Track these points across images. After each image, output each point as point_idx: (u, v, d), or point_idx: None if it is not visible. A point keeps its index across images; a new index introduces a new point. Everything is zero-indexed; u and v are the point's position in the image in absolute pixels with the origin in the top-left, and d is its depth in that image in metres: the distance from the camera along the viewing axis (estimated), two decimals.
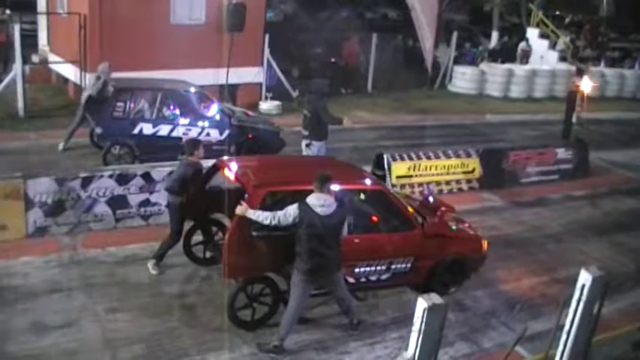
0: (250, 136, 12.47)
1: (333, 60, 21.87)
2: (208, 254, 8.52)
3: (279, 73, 18.61)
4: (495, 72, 23.76)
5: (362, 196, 8.15)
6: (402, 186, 11.87)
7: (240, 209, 6.87)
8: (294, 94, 18.55)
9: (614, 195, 13.91)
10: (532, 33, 26.99)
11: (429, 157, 12.41)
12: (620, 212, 12.93)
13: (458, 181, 12.79)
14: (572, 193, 13.65)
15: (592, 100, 17.17)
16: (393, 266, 7.91)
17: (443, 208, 8.72)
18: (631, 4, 31.91)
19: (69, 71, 16.04)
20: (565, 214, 12.38)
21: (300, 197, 6.86)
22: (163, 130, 11.87)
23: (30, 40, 16.94)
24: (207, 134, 12.08)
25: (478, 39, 30.08)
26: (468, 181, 12.92)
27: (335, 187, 7.19)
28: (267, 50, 17.84)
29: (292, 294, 6.97)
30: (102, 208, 9.39)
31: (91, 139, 12.58)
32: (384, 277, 7.94)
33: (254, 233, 7.03)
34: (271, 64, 18.21)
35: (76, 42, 14.83)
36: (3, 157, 11.82)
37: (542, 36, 27.09)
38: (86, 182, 9.20)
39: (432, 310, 5.00)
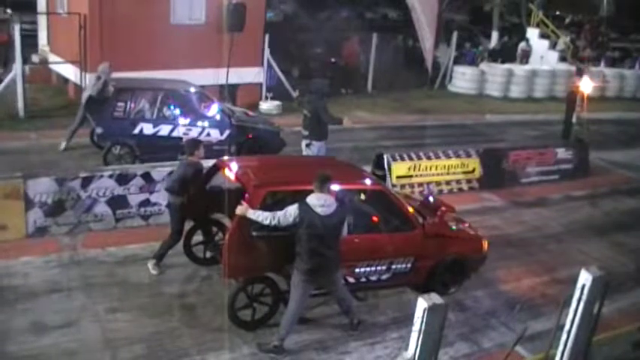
0: (251, 136, 12.47)
1: (333, 60, 21.87)
2: (208, 254, 8.52)
3: (279, 73, 18.61)
4: (495, 72, 23.76)
5: (362, 196, 8.15)
6: (402, 186, 11.87)
7: (240, 209, 6.87)
8: (294, 94, 18.55)
9: (614, 195, 13.91)
10: (532, 33, 27.00)
11: (429, 157, 12.41)
12: (621, 212, 12.93)
13: (458, 181, 12.79)
14: (572, 193, 13.65)
15: (592, 100, 17.17)
16: (394, 266, 7.91)
17: (443, 208, 8.72)
18: (631, 4, 31.94)
19: (69, 71, 16.04)
20: (565, 214, 12.38)
21: (300, 197, 6.86)
22: (164, 130, 11.87)
23: (30, 40, 16.94)
24: (208, 134, 12.08)
25: (478, 39, 30.09)
26: (468, 181, 12.92)
27: (335, 187, 7.19)
28: (267, 50, 17.84)
29: (292, 294, 6.97)
30: (102, 208, 9.39)
31: (92, 139, 12.58)
32: (384, 277, 7.94)
33: (254, 233, 7.03)
34: (271, 64, 18.21)
35: (76, 42, 14.83)
36: (3, 157, 11.83)
37: (543, 36, 27.11)
38: (86, 182, 9.20)
39: (432, 310, 5.00)
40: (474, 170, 12.94)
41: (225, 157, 8.60)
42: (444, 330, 5.25)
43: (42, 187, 8.91)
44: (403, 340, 6.98)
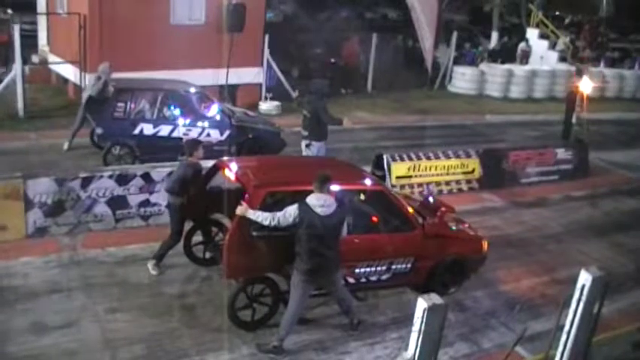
0: (251, 136, 12.46)
1: (332, 60, 21.87)
2: (208, 255, 8.52)
3: (279, 74, 18.61)
4: (495, 72, 23.77)
5: (362, 197, 8.14)
6: (402, 186, 11.87)
7: (240, 209, 6.87)
8: (294, 94, 18.56)
9: (614, 195, 13.91)
10: (532, 33, 27.01)
11: (428, 158, 12.41)
12: (620, 212, 12.93)
13: (458, 182, 12.79)
14: (572, 194, 13.65)
15: (592, 101, 17.17)
16: (394, 266, 7.91)
17: (443, 209, 8.72)
18: (631, 5, 31.94)
19: (69, 71, 16.04)
20: (565, 215, 12.38)
21: (300, 197, 6.86)
22: (164, 130, 11.87)
23: (30, 41, 16.94)
24: (208, 135, 12.08)
25: (478, 39, 30.11)
26: (468, 181, 12.92)
27: (335, 187, 7.19)
28: (266, 51, 17.84)
29: (292, 294, 6.97)
30: (102, 208, 9.39)
31: (92, 140, 12.58)
32: (384, 277, 7.94)
33: (254, 233, 7.03)
34: (271, 64, 18.22)
35: (76, 42, 14.84)
36: (3, 158, 11.83)
37: (542, 36, 27.12)
38: (86, 182, 9.20)
39: (431, 310, 5.01)
40: (473, 171, 12.94)
41: (225, 158, 8.59)
42: (444, 330, 5.25)
43: (42, 188, 8.91)
44: (403, 341, 6.97)
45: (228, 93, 16.39)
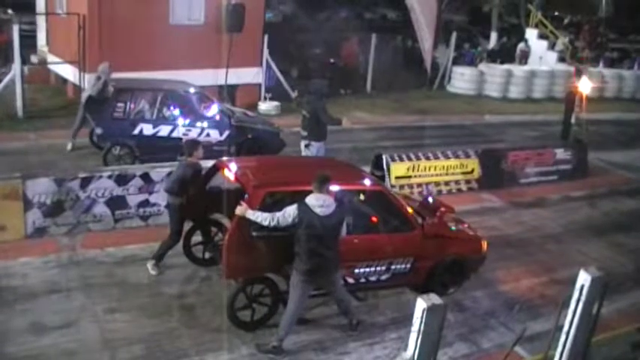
0: (250, 136, 12.46)
1: (332, 60, 21.89)
2: (208, 255, 8.52)
3: (278, 74, 18.61)
4: (494, 72, 23.77)
5: (362, 197, 8.14)
6: (401, 186, 11.87)
7: (239, 210, 6.87)
8: (293, 94, 18.56)
9: (613, 195, 13.91)
10: (531, 34, 27.02)
11: (428, 158, 12.41)
12: (620, 213, 12.93)
13: (457, 182, 12.79)
14: (571, 194, 13.66)
15: (591, 101, 17.18)
16: (393, 267, 7.91)
17: (442, 209, 8.73)
18: (630, 5, 31.98)
19: (68, 72, 16.03)
20: (564, 215, 12.38)
21: (299, 198, 6.86)
22: (163, 130, 11.86)
23: (29, 41, 16.94)
24: (207, 135, 12.07)
25: (477, 40, 30.13)
26: (467, 181, 12.92)
27: (334, 187, 7.19)
28: (266, 51, 17.84)
29: (291, 295, 6.97)
30: (101, 208, 9.38)
31: (91, 140, 12.58)
32: (383, 277, 7.94)
33: (254, 234, 7.02)
34: (270, 64, 18.21)
35: (75, 42, 14.84)
36: (2, 158, 11.82)
37: (541, 37, 27.12)
38: (85, 183, 9.20)
39: (431, 310, 5.01)
40: (472, 171, 12.94)
41: (225, 158, 8.59)
42: (443, 330, 5.25)
43: (41, 188, 8.91)
44: (402, 341, 6.97)
45: (228, 93, 16.39)
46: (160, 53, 14.99)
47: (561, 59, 26.41)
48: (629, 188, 14.54)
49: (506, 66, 24.38)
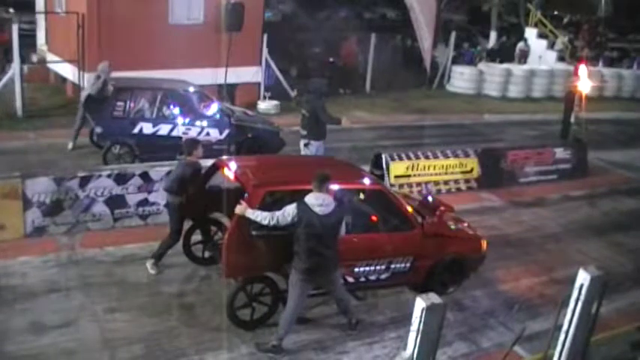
0: (250, 135, 12.46)
1: (331, 60, 21.86)
2: (207, 254, 8.52)
3: (278, 73, 18.60)
4: (494, 72, 23.77)
5: (361, 196, 8.15)
6: (401, 186, 11.88)
7: (239, 209, 6.86)
8: (293, 93, 18.55)
9: (612, 195, 13.92)
10: (530, 33, 27.01)
11: (427, 157, 12.41)
12: (619, 212, 12.94)
13: (456, 181, 12.79)
14: (570, 193, 13.66)
15: (590, 100, 17.18)
16: (393, 266, 7.91)
17: (442, 208, 8.72)
18: (629, 5, 32.00)
19: (67, 71, 16.03)
20: (564, 214, 12.39)
21: (299, 197, 6.86)
22: (163, 129, 11.86)
23: (28, 40, 16.92)
24: (207, 134, 12.07)
25: (476, 39, 30.12)
26: (467, 180, 12.92)
27: (334, 186, 7.19)
28: (265, 50, 17.83)
29: (290, 294, 6.97)
30: (100, 207, 9.38)
31: (91, 139, 12.58)
32: (383, 276, 7.94)
33: (253, 233, 7.02)
34: (270, 63, 18.20)
35: (74, 41, 14.83)
36: (1, 157, 11.81)
37: (541, 36, 27.12)
38: (84, 182, 9.19)
39: (430, 309, 5.01)
40: (472, 170, 12.94)
41: (224, 157, 8.58)
42: (443, 330, 5.25)
43: (40, 187, 8.90)
44: (401, 340, 6.96)
45: (227, 92, 16.38)
46: (159, 52, 14.98)
47: (561, 58, 26.42)
48: (629, 188, 14.54)
49: (505, 65, 24.38)
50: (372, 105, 19.68)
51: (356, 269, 7.69)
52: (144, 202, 9.69)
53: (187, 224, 8.49)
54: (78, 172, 9.27)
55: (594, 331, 6.42)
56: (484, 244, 8.71)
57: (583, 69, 16.18)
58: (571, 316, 6.13)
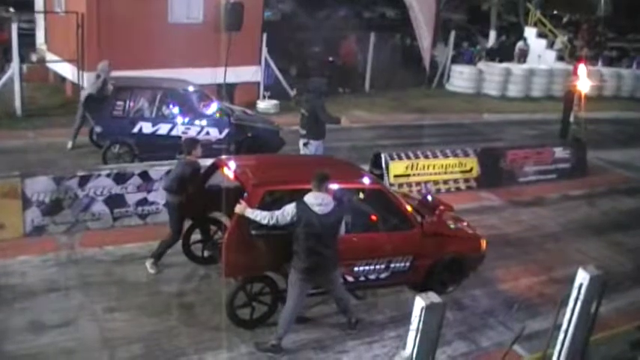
0: (250, 135, 12.46)
1: (330, 59, 21.85)
2: (207, 253, 8.51)
3: (277, 72, 18.60)
4: (493, 71, 23.77)
5: (361, 195, 8.15)
6: (400, 185, 11.88)
7: (239, 208, 6.86)
8: (292, 93, 18.55)
9: (612, 194, 13.92)
10: (530, 32, 27.01)
11: (426, 157, 12.40)
12: (618, 212, 12.94)
13: (456, 181, 12.79)
14: (570, 193, 13.66)
15: (590, 100, 17.19)
16: (392, 265, 7.91)
17: (441, 207, 8.72)
18: (628, 4, 32.01)
19: (66, 70, 16.02)
20: (563, 214, 12.39)
21: (298, 196, 6.86)
22: (163, 129, 11.85)
23: (28, 39, 16.92)
24: (207, 133, 12.07)
25: (476, 38, 30.13)
26: (466, 180, 12.92)
27: (333, 186, 7.19)
28: (264, 49, 17.83)
29: (290, 293, 6.97)
30: (99, 207, 9.38)
31: (91, 138, 12.58)
32: (382, 275, 7.94)
33: (253, 232, 7.02)
34: (269, 63, 18.20)
35: (74, 41, 14.82)
36: (1, 156, 11.80)
37: (540, 35, 27.12)
38: (84, 181, 9.19)
39: (430, 309, 5.01)
40: (471, 169, 12.94)
41: (224, 156, 8.58)
42: (442, 329, 5.25)
43: (39, 186, 8.90)
44: (401, 339, 6.96)
45: (226, 91, 16.38)
46: (158, 52, 14.97)
47: (560, 58, 26.41)
48: (628, 187, 14.55)
49: (505, 64, 24.38)
50: (372, 104, 19.68)
51: (356, 268, 7.69)
52: (143, 202, 9.69)
53: (187, 223, 8.48)
54: (77, 172, 9.26)
55: (594, 330, 6.42)
56: (483, 243, 8.71)
57: (582, 68, 16.20)
58: (570, 316, 6.13)
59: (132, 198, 9.60)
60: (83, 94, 12.23)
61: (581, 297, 6.04)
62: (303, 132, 10.75)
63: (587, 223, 12.04)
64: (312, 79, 11.92)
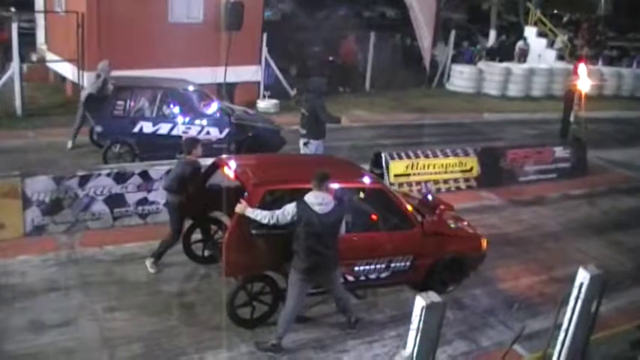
0: (250, 134, 12.45)
1: (331, 59, 21.86)
2: (207, 253, 8.51)
3: (277, 72, 18.60)
4: (493, 71, 23.77)
5: (361, 195, 8.15)
6: (400, 184, 11.88)
7: (239, 207, 6.86)
8: (292, 92, 18.55)
9: (612, 194, 13.91)
10: (530, 32, 27.02)
11: (427, 156, 12.40)
12: (619, 211, 12.94)
13: (456, 180, 12.78)
14: (570, 192, 13.65)
15: (590, 99, 17.18)
16: (393, 264, 7.91)
17: (442, 207, 8.72)
18: (629, 3, 32.00)
19: (66, 70, 16.02)
20: (563, 213, 12.38)
21: (299, 196, 6.86)
22: (163, 128, 11.85)
23: (28, 39, 16.91)
24: (207, 133, 12.06)
25: (476, 38, 30.12)
26: (466, 179, 12.92)
27: (334, 185, 7.19)
28: (265, 49, 17.83)
29: (289, 292, 6.97)
30: (99, 206, 9.37)
31: (91, 138, 12.58)
32: (383, 275, 7.94)
33: (253, 231, 7.02)
34: (269, 62, 18.20)
35: (74, 40, 14.82)
36: (1, 156, 11.80)
37: (540, 35, 27.13)
38: (84, 181, 9.19)
39: (430, 308, 5.00)
40: (471, 169, 12.94)
41: (224, 156, 8.58)
42: (442, 328, 5.25)
43: (40, 186, 8.89)
44: (401, 339, 6.97)
45: (226, 91, 16.39)
46: (158, 51, 14.97)
47: (560, 57, 26.41)
48: (628, 186, 14.54)
49: (505, 64, 24.38)
50: (372, 104, 19.68)
51: (356, 268, 7.69)
52: (143, 201, 9.69)
53: (187, 223, 8.48)
54: (77, 171, 9.26)
55: (594, 329, 6.42)
56: (484, 242, 8.71)
57: (582, 68, 16.20)
58: (571, 315, 6.13)
59: (132, 197, 9.59)
60: (84, 94, 12.22)
61: (582, 296, 6.03)
62: (304, 131, 10.75)
63: (587, 223, 12.04)
64: (312, 78, 11.92)
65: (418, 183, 12.24)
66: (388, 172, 11.79)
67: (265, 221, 6.77)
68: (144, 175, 9.61)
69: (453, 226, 8.67)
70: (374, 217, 7.89)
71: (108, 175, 9.38)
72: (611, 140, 18.61)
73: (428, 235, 8.04)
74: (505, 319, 8.13)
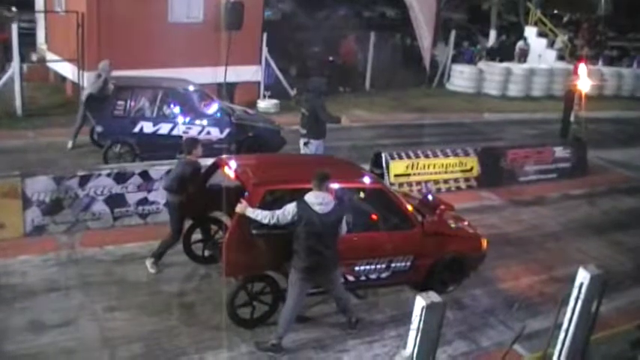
0: (251, 134, 12.45)
1: (331, 58, 21.86)
2: (207, 252, 8.51)
3: (277, 72, 18.60)
4: (493, 71, 23.76)
5: (361, 195, 8.15)
6: (400, 184, 11.88)
7: (239, 207, 6.86)
8: (292, 92, 18.55)
9: (612, 194, 13.91)
10: (530, 32, 27.00)
11: (427, 156, 12.40)
12: (619, 211, 12.93)
13: (456, 180, 12.78)
14: (570, 192, 13.65)
15: (590, 99, 17.17)
16: (393, 264, 7.91)
17: (442, 207, 8.72)
18: (629, 3, 31.97)
19: (67, 70, 16.02)
20: (563, 213, 12.38)
21: (299, 195, 6.86)
22: (164, 128, 11.85)
23: (28, 39, 16.91)
24: (208, 133, 12.06)
25: (476, 38, 30.10)
26: (467, 179, 12.91)
27: (334, 185, 7.19)
28: (265, 49, 17.82)
29: (290, 292, 6.97)
30: (100, 206, 9.37)
31: (91, 138, 12.59)
32: (383, 275, 7.94)
33: (254, 231, 7.02)
34: (269, 62, 18.20)
35: (74, 40, 14.81)
36: (1, 156, 11.80)
37: (540, 35, 27.11)
38: (84, 181, 9.19)
39: (430, 308, 5.01)
40: (472, 169, 12.94)
41: (225, 156, 8.58)
42: (443, 328, 5.26)
43: (40, 186, 8.90)
44: (401, 339, 6.97)
45: (227, 91, 16.39)
46: (158, 51, 14.97)
47: (560, 57, 26.40)
48: (629, 186, 14.54)
49: (505, 64, 24.37)
50: (372, 104, 19.67)
51: (356, 268, 7.69)
52: (144, 201, 9.69)
53: (188, 223, 8.48)
54: (77, 171, 9.26)
55: (594, 329, 6.42)
56: (484, 242, 8.71)
57: (583, 68, 16.19)
58: (571, 315, 6.14)
59: (132, 197, 9.59)
60: (84, 94, 12.23)
61: (582, 296, 6.04)
62: (304, 131, 10.75)
63: (587, 223, 12.04)
64: (312, 78, 11.92)
65: (418, 183, 12.24)
66: (388, 172, 11.79)
67: (265, 221, 6.78)
68: (144, 175, 9.61)
69: (453, 226, 8.67)
70: (374, 217, 7.89)
71: (108, 175, 9.38)
72: (611, 140, 18.61)
73: (428, 235, 8.04)
74: (505, 319, 8.13)
